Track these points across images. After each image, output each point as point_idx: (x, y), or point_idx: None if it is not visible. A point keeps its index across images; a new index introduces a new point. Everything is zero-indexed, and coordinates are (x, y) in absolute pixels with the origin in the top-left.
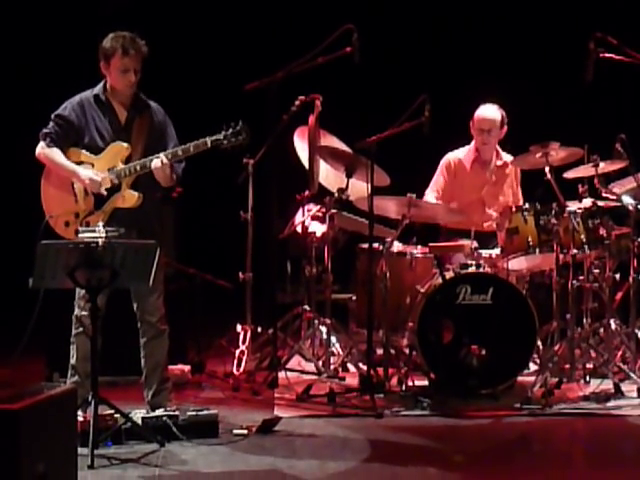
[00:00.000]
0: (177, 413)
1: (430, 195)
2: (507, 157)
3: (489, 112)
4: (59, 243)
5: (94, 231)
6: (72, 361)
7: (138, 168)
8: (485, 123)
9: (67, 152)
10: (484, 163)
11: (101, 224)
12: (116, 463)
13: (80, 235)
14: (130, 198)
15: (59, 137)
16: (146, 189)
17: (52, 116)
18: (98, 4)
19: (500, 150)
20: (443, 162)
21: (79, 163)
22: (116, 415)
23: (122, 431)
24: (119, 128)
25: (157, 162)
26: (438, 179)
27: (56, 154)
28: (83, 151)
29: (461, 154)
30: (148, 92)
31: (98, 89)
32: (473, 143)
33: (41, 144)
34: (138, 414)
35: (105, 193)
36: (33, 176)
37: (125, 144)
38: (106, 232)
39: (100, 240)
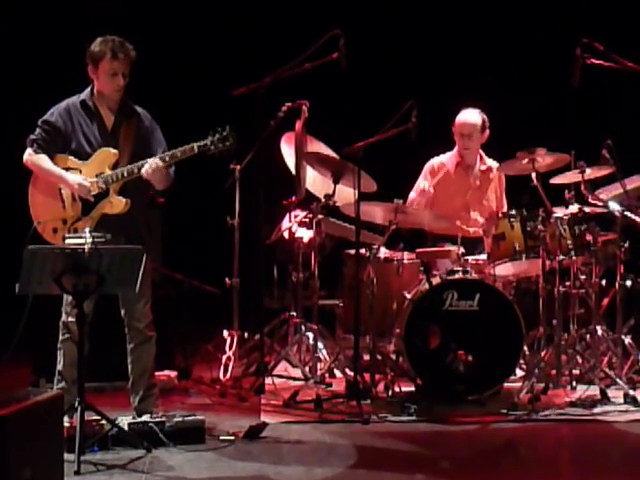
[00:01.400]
0: (164, 419)
1: (412, 195)
2: (491, 162)
3: (469, 117)
4: (45, 249)
5: (81, 237)
6: (59, 367)
7: (126, 174)
8: (465, 128)
9: (55, 158)
10: (467, 167)
11: (87, 230)
12: (102, 469)
13: (67, 241)
14: (118, 204)
15: (46, 143)
16: (134, 195)
17: (39, 122)
18: (85, 7)
19: (484, 155)
20: (427, 167)
21: (67, 169)
22: (102, 421)
23: (109, 437)
24: (106, 134)
25: (148, 167)
26: (420, 182)
27: (43, 160)
28: (70, 157)
29: (444, 159)
30: (136, 97)
31: (85, 94)
32: (456, 148)
33: (28, 150)
34: (125, 420)
35: (93, 199)
36: (21, 182)
37: (113, 150)
38: (92, 238)
39: (86, 246)
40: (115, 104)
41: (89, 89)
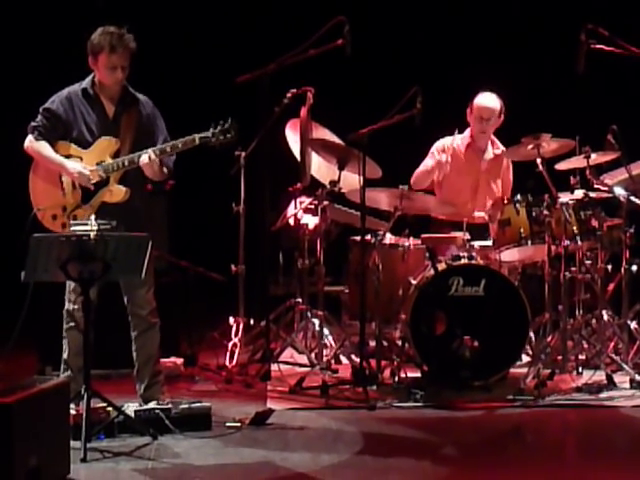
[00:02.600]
0: (170, 406)
1: (418, 169)
2: (502, 148)
3: (489, 101)
4: (51, 236)
5: (86, 224)
6: (64, 356)
7: (126, 163)
8: (485, 112)
9: (56, 145)
10: (478, 151)
11: (93, 217)
12: (109, 456)
13: (72, 228)
14: (118, 193)
15: (47, 130)
16: (134, 184)
17: (40, 110)
18: None
19: (496, 140)
20: (436, 145)
21: (68, 156)
22: (109, 408)
23: (115, 424)
24: (107, 122)
25: (145, 158)
26: (427, 161)
27: (44, 147)
28: (72, 145)
29: (456, 140)
30: (140, 84)
31: (86, 83)
32: (469, 130)
33: (29, 137)
34: (131, 407)
35: (93, 187)
36: (21, 169)
37: (114, 139)
38: (98, 225)
39: (92, 233)
40: (116, 93)
41: (90, 77)
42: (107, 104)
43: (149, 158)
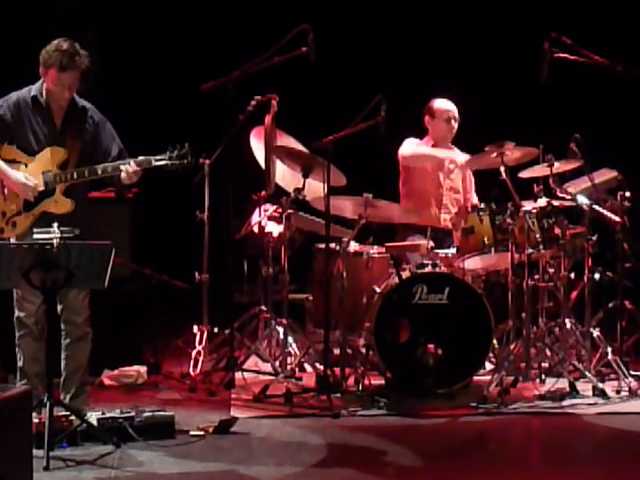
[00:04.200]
0: (133, 414)
1: (411, 143)
2: (460, 154)
3: (449, 103)
4: (14, 244)
5: (49, 232)
6: (19, 364)
7: (75, 176)
8: (452, 112)
9: (1, 149)
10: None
11: (56, 225)
12: (72, 465)
13: (35, 236)
14: (63, 204)
15: None
16: (77, 195)
17: None
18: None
19: (454, 147)
20: (410, 139)
21: (12, 160)
22: (71, 417)
23: (78, 433)
24: (55, 132)
25: (124, 176)
26: (413, 140)
27: None
28: (18, 150)
29: (420, 143)
30: (104, 92)
31: (36, 89)
32: (428, 137)
33: None
34: (94, 415)
35: (33, 199)
36: None
37: (63, 149)
38: (61, 233)
39: (55, 241)
40: (65, 103)
41: (40, 83)
42: (56, 113)
43: (133, 170)
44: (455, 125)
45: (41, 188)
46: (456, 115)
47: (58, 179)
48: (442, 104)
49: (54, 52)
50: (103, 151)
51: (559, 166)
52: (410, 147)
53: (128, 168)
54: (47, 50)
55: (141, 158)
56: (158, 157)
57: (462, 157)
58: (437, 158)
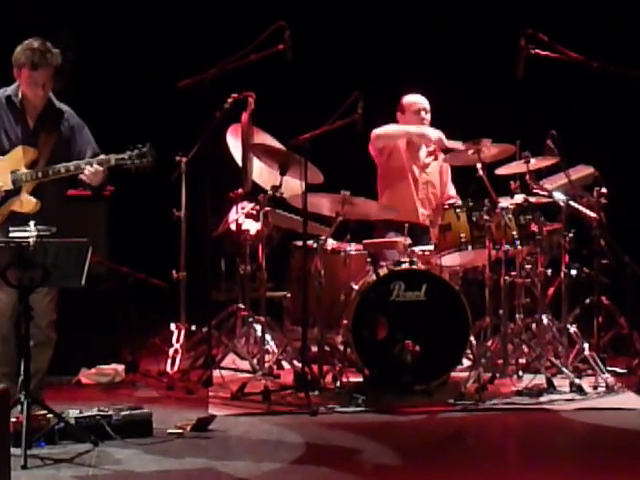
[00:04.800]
0: (111, 413)
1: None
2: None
3: (418, 96)
4: None
5: (25, 230)
6: None
7: (40, 175)
8: (423, 105)
9: None
10: (416, 149)
11: (32, 223)
12: (49, 463)
13: (11, 235)
14: (27, 204)
15: None
16: (47, 195)
17: None
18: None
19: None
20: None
21: None
22: (49, 415)
23: (55, 431)
24: (27, 133)
25: (87, 173)
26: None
27: None
28: None
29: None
30: (81, 90)
31: (11, 90)
32: None
33: None
34: (71, 414)
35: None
36: None
37: (32, 149)
38: (38, 231)
39: (32, 239)
40: (40, 104)
41: (17, 84)
42: (30, 115)
43: (95, 169)
44: (426, 116)
45: (6, 187)
46: (426, 107)
47: (24, 178)
48: (410, 98)
49: (25, 51)
50: (77, 154)
51: (536, 163)
52: (380, 128)
53: (89, 168)
54: (18, 50)
55: (101, 157)
56: (118, 156)
57: (434, 132)
58: (409, 133)
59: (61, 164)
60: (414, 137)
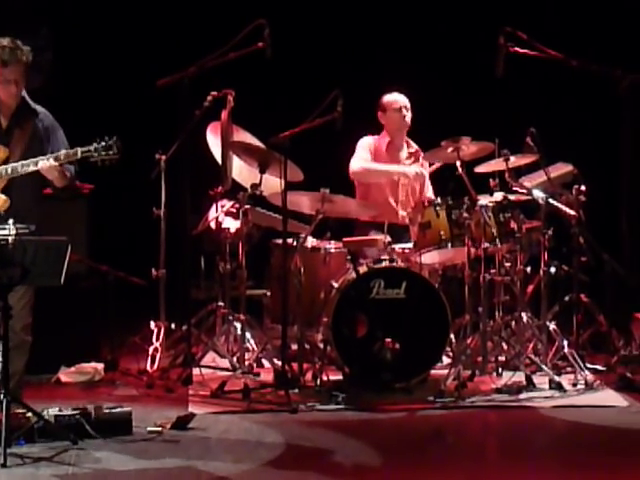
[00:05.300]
0: (90, 411)
1: (360, 158)
2: (416, 147)
3: (398, 95)
4: None
5: (4, 228)
6: None
7: (9, 171)
8: (403, 102)
9: None
10: (397, 149)
11: (11, 221)
12: (29, 462)
13: None
14: None
15: None
16: (19, 193)
17: None
18: None
19: (410, 140)
20: (363, 142)
21: None
22: (28, 414)
23: (35, 430)
24: (0, 131)
25: (42, 164)
26: (362, 153)
27: None
28: None
29: (376, 139)
30: (60, 89)
31: None
32: (384, 132)
33: None
34: (51, 412)
35: None
36: None
37: (3, 147)
38: (16, 229)
39: (10, 237)
40: (13, 104)
41: None
42: (3, 114)
43: (49, 164)
44: (407, 114)
45: None
46: (407, 105)
47: None
48: (391, 96)
49: None
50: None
51: (515, 160)
52: (358, 162)
53: (45, 163)
54: None
55: (63, 151)
56: (84, 148)
57: (414, 167)
58: (388, 173)
59: (21, 162)
60: (394, 176)
